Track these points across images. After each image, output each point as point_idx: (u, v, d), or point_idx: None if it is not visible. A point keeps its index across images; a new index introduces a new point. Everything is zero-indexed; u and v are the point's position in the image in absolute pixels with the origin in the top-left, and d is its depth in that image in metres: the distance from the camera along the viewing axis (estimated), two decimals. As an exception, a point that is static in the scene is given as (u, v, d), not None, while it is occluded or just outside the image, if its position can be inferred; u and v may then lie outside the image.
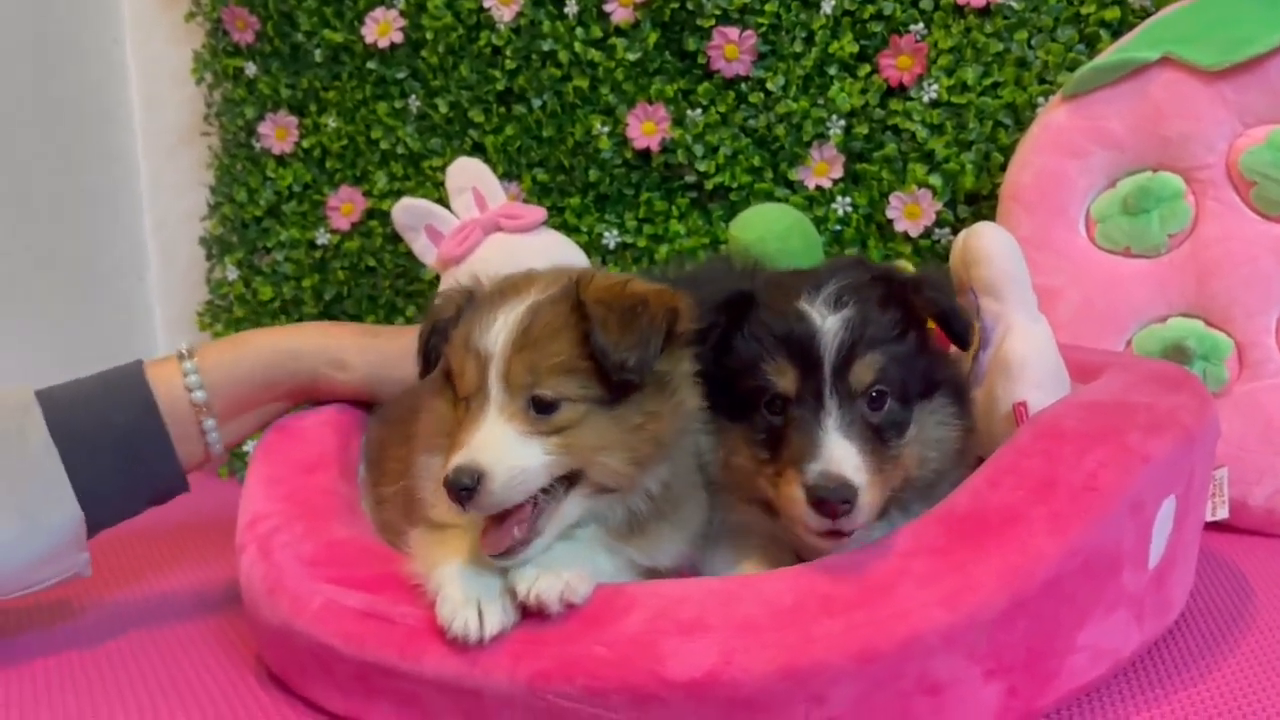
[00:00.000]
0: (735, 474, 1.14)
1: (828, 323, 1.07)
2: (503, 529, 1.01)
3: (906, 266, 1.39)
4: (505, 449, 0.98)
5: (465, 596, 0.99)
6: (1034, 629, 0.98)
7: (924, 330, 1.15)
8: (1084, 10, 1.80)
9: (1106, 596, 1.03)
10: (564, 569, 1.01)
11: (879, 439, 1.07)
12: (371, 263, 2.16)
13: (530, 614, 1.00)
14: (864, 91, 1.91)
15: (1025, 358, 1.23)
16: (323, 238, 2.19)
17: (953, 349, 1.21)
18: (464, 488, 0.96)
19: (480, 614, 0.98)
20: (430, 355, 1.11)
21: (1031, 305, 1.29)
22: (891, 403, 1.09)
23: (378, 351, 1.41)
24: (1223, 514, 1.30)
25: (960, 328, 1.14)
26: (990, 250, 1.28)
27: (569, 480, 1.03)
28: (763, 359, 1.09)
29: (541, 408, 1.01)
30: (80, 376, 1.36)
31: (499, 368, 1.01)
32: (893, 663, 0.93)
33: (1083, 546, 0.99)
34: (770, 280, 1.17)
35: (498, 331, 1.02)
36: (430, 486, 1.10)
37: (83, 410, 1.30)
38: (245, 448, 2.02)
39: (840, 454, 1.02)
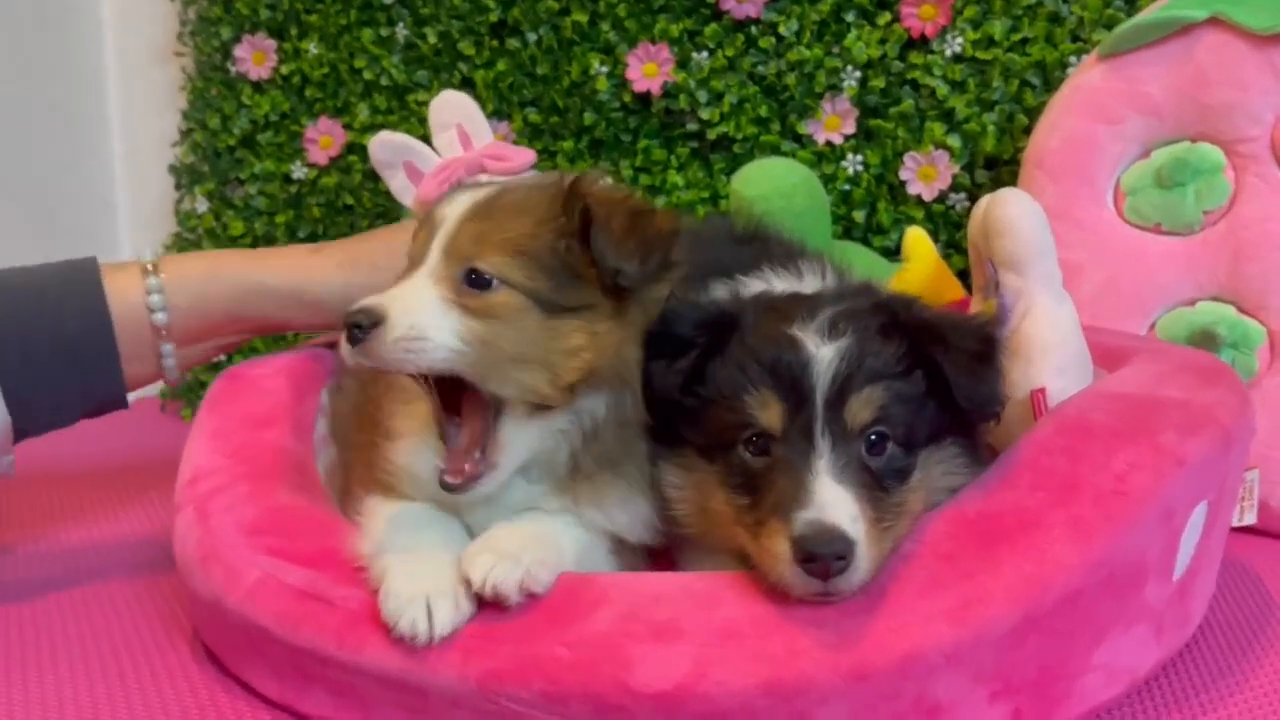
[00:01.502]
0: (708, 521, 1.01)
1: (822, 351, 0.95)
2: (454, 457, 0.96)
3: (922, 239, 1.27)
4: (415, 304, 0.94)
5: (413, 591, 0.90)
6: (1047, 646, 0.90)
7: (934, 368, 1.01)
8: (1126, -39, 1.71)
9: (1128, 612, 0.95)
10: (524, 554, 0.92)
11: (879, 485, 0.94)
12: (349, 200, 2.09)
13: (486, 604, 0.90)
14: (882, 42, 1.83)
15: (1047, 341, 1.15)
16: (299, 171, 2.11)
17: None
18: (357, 325, 0.91)
19: (429, 612, 0.89)
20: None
21: (1056, 283, 1.20)
22: (893, 448, 0.96)
23: (359, 288, 1.30)
24: (1250, 519, 1.22)
25: (968, 398, 0.99)
26: (1015, 220, 1.18)
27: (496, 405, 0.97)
28: (745, 390, 0.96)
29: (475, 281, 0.96)
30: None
31: (446, 231, 0.97)
32: (888, 682, 0.85)
33: (1108, 557, 0.91)
34: (758, 302, 1.06)
35: (459, 204, 1.00)
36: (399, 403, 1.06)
37: (21, 307, 1.21)
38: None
39: (833, 499, 0.89)
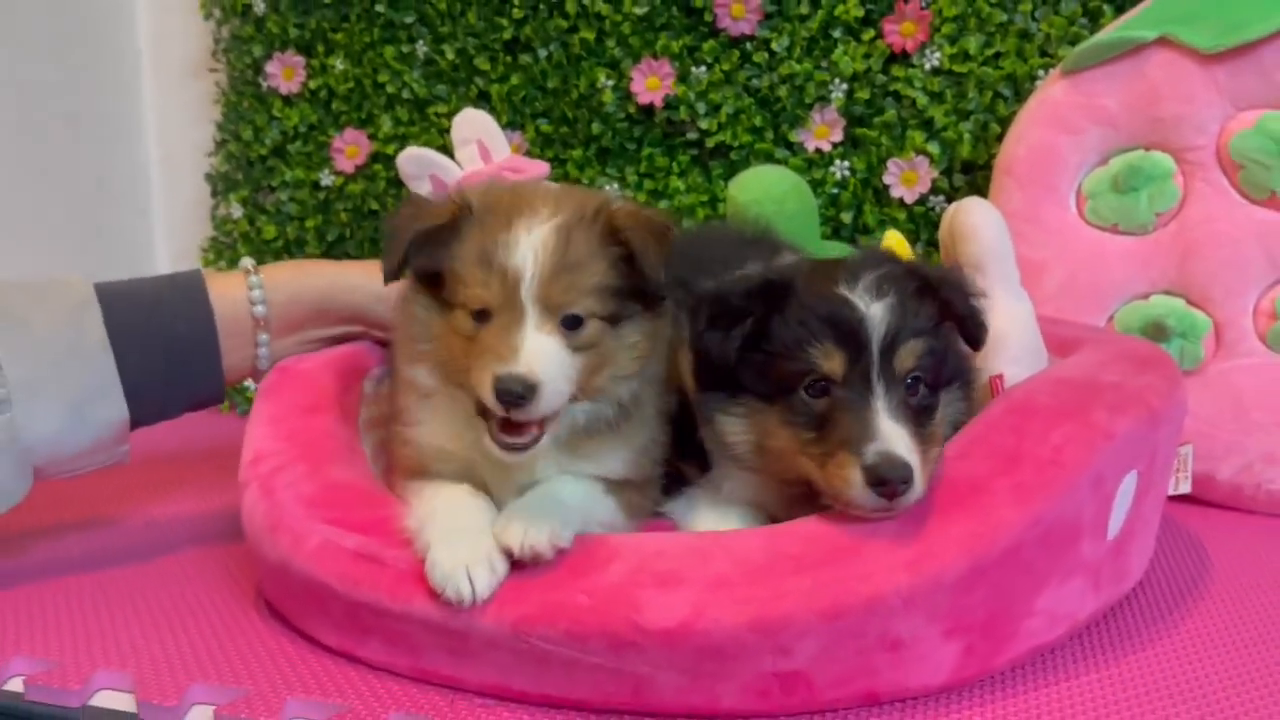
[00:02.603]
0: (771, 455, 1.14)
1: (873, 309, 1.09)
2: (515, 430, 1.08)
3: (901, 243, 1.41)
4: (554, 362, 1.05)
5: (455, 562, 1.03)
6: (993, 593, 1.03)
7: (951, 321, 1.17)
8: (1088, -16, 1.81)
9: (1064, 564, 1.08)
10: (547, 517, 1.06)
11: (918, 421, 1.09)
12: (374, 206, 2.19)
13: (516, 564, 1.05)
14: (867, 56, 1.92)
15: (1005, 333, 1.27)
16: (327, 179, 2.21)
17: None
18: (518, 395, 1.02)
19: (470, 579, 1.02)
20: (408, 260, 1.14)
21: (1014, 281, 1.33)
22: (924, 389, 1.11)
23: None
24: (1185, 488, 1.35)
25: (975, 329, 1.16)
26: (976, 226, 1.31)
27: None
28: (808, 342, 1.10)
29: (571, 324, 1.09)
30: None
31: (535, 288, 1.07)
32: (856, 620, 0.99)
33: (1043, 517, 1.04)
34: (806, 268, 1.19)
35: (526, 251, 1.07)
36: (414, 398, 1.19)
37: (143, 315, 1.34)
38: (247, 384, 2.06)
39: (896, 434, 1.04)
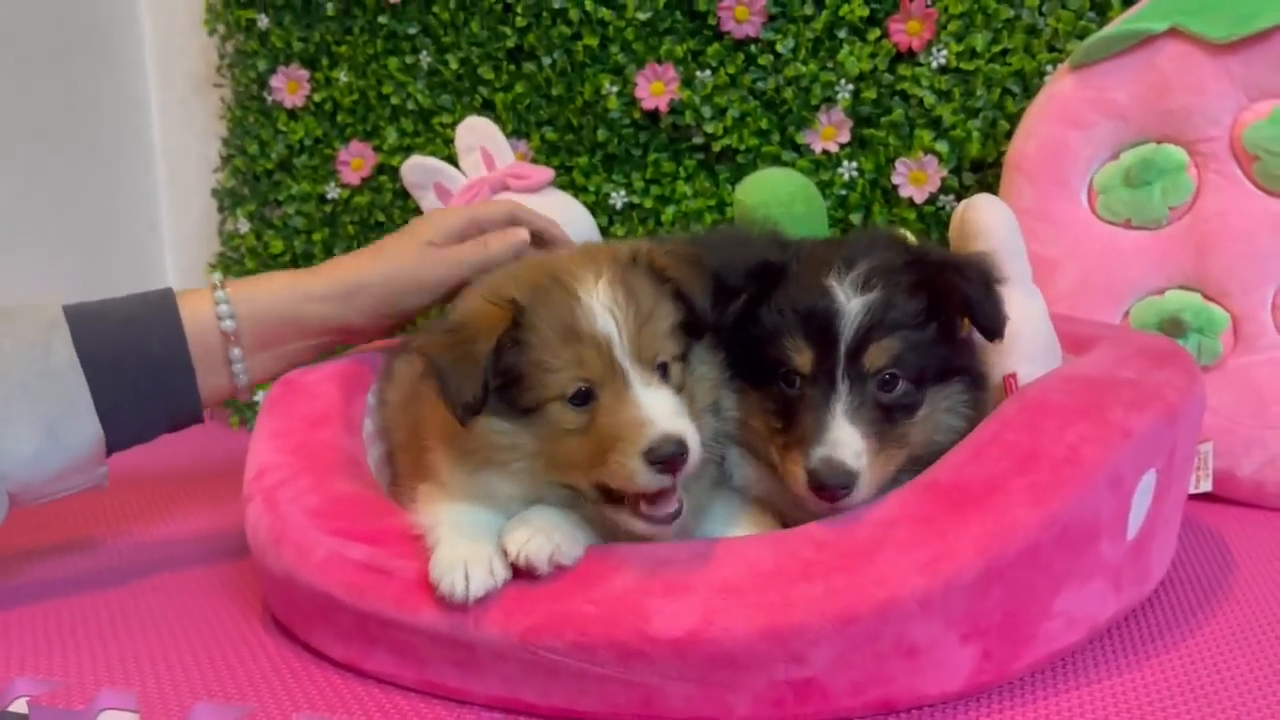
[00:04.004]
0: (750, 436, 1.17)
1: (850, 305, 1.08)
2: (663, 499, 1.04)
3: (906, 236, 1.40)
4: (679, 410, 1.03)
5: (454, 558, 1.02)
6: (1010, 596, 1.01)
7: (953, 316, 1.15)
8: (1096, -22, 1.80)
9: (1083, 566, 1.06)
10: (556, 531, 1.04)
11: (887, 419, 1.09)
12: (381, 218, 2.19)
13: (522, 572, 1.03)
14: (873, 56, 1.91)
15: (1017, 331, 1.23)
16: (333, 192, 2.21)
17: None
18: (675, 455, 0.99)
19: (466, 576, 1.01)
20: (489, 382, 1.03)
21: (1026, 278, 1.31)
22: (904, 384, 1.10)
23: (396, 270, 1.40)
24: (1206, 486, 1.32)
25: (985, 319, 1.12)
26: (987, 224, 1.29)
27: None
28: (784, 334, 1.10)
29: (663, 369, 1.07)
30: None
31: (628, 346, 1.03)
32: (870, 626, 0.97)
33: (1060, 517, 1.02)
34: (805, 252, 1.17)
35: (604, 313, 1.03)
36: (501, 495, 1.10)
37: (112, 333, 1.32)
38: (256, 397, 2.06)
39: (844, 439, 1.04)
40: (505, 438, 1.07)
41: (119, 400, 1.30)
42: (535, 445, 1.06)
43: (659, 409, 1.01)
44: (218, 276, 1.40)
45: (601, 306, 1.03)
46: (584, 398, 1.04)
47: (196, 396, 1.37)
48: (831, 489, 1.03)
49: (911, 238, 1.42)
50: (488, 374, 1.02)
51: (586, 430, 1.03)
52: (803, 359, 1.10)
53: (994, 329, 1.13)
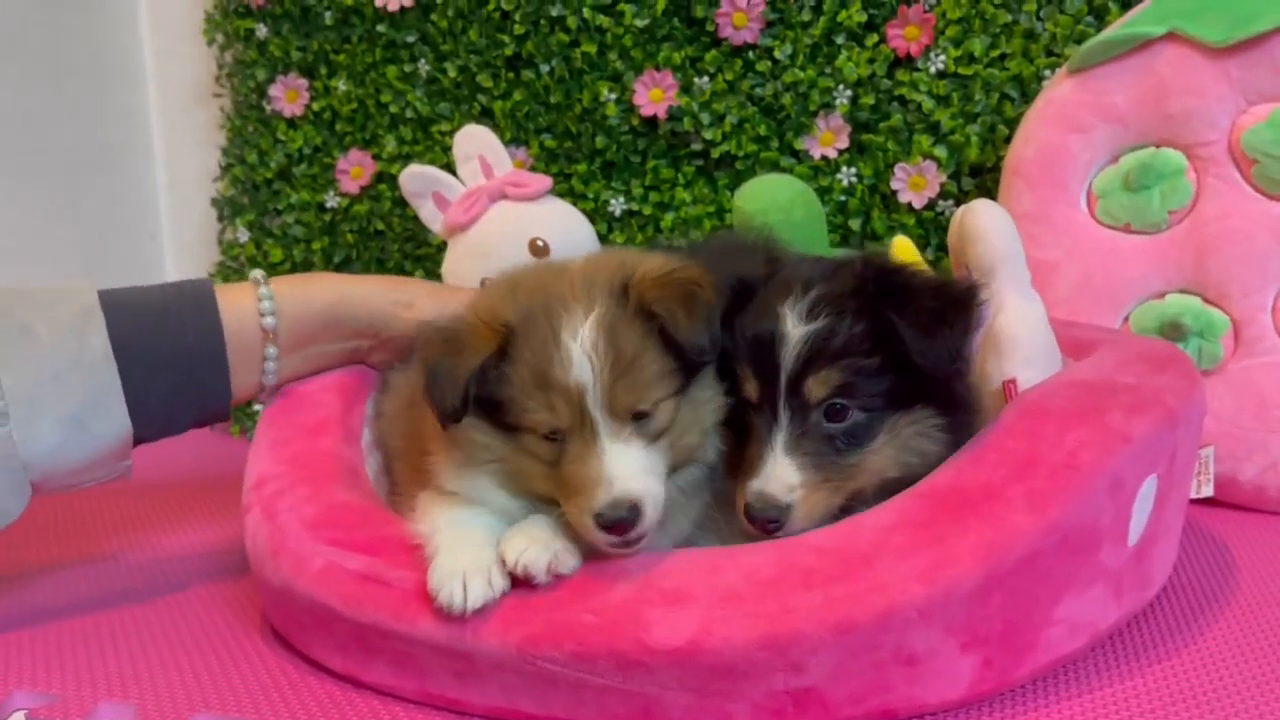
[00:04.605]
0: (724, 457, 1.15)
1: (793, 334, 1.06)
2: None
3: (910, 248, 1.38)
4: (643, 470, 1.01)
5: (453, 568, 1.02)
6: (1010, 603, 1.01)
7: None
8: (1093, -18, 1.80)
9: (1084, 572, 1.06)
10: (555, 540, 1.04)
11: (833, 450, 1.07)
12: (380, 226, 2.19)
13: (521, 581, 1.03)
14: (871, 61, 1.91)
15: (1016, 336, 1.24)
16: (332, 201, 2.21)
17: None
18: (624, 520, 0.98)
19: (465, 586, 1.00)
20: (468, 403, 1.05)
21: (1025, 283, 1.30)
22: (855, 414, 1.07)
23: (447, 299, 1.40)
24: (1207, 492, 1.31)
25: (920, 357, 1.04)
26: (985, 228, 1.28)
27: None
28: (739, 360, 1.10)
29: (642, 417, 1.04)
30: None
31: (600, 398, 1.01)
32: (870, 634, 0.96)
33: (1060, 524, 1.02)
34: (782, 272, 1.14)
35: (580, 361, 1.02)
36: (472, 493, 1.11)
37: (149, 325, 1.29)
38: (255, 407, 2.05)
39: (777, 473, 1.04)
40: (485, 447, 1.09)
41: (150, 393, 1.28)
42: (508, 456, 1.08)
43: (619, 468, 1.00)
44: (259, 273, 1.38)
45: (580, 353, 1.02)
46: (554, 437, 1.05)
47: (228, 392, 1.34)
48: (760, 522, 1.03)
49: (913, 252, 1.42)
50: (469, 390, 1.04)
51: (555, 465, 1.04)
52: (750, 388, 1.09)
53: (931, 367, 1.06)
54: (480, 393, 1.05)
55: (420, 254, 2.17)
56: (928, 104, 1.89)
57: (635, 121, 2.02)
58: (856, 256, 1.18)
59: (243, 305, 1.34)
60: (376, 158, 2.18)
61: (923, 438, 1.10)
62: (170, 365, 1.29)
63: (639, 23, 1.98)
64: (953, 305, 1.09)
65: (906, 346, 1.05)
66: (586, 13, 2.00)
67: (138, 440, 1.31)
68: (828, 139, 1.94)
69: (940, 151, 1.88)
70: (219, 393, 1.34)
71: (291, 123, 2.24)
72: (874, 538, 1.01)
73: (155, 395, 1.28)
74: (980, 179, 1.89)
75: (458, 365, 1.05)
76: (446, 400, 1.05)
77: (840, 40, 1.92)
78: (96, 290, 1.30)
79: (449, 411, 1.06)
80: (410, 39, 2.13)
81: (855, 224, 1.93)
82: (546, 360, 1.03)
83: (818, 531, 1.04)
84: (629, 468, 1.01)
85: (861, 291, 1.08)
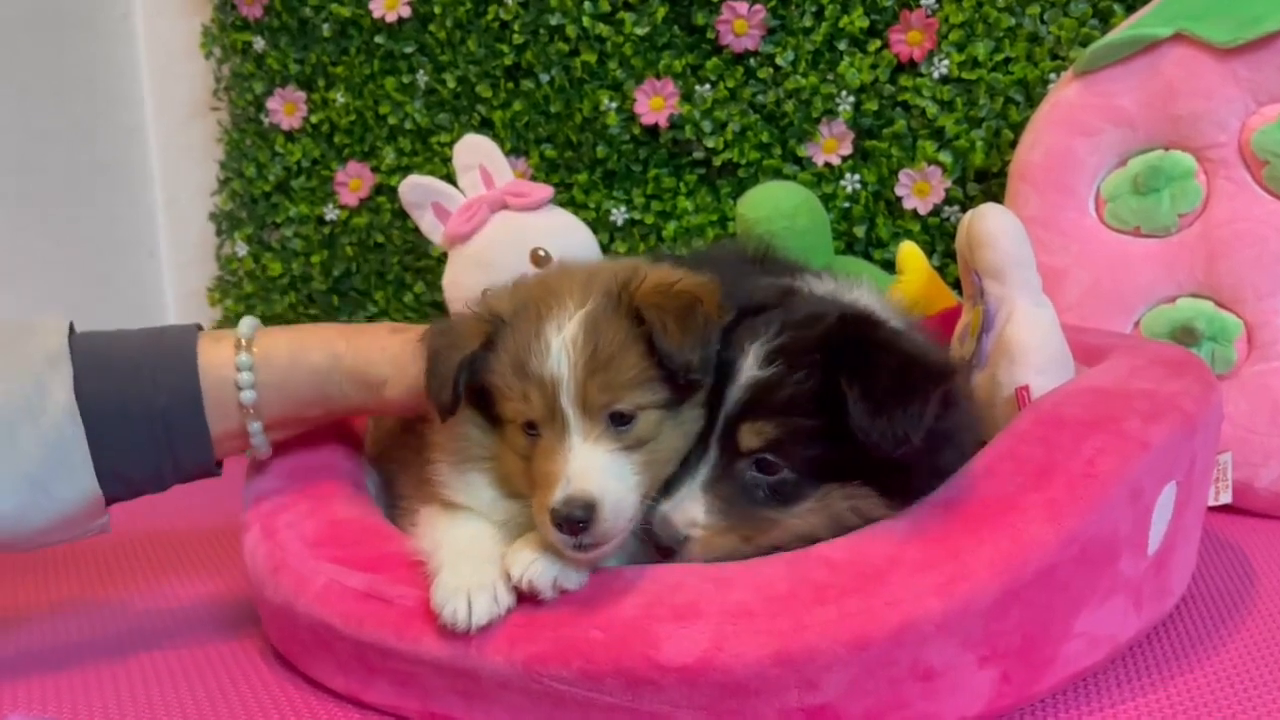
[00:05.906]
0: None
1: (743, 378, 1.02)
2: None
3: (917, 255, 1.35)
4: (607, 472, 0.98)
5: (457, 585, 1.00)
6: (1029, 616, 0.98)
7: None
8: (1098, -16, 1.79)
9: (1104, 584, 1.03)
10: (560, 553, 1.01)
11: (752, 500, 1.02)
12: (380, 238, 2.18)
13: (526, 598, 1.00)
14: (874, 67, 1.90)
15: (1027, 342, 1.23)
16: (331, 213, 2.20)
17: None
18: (578, 520, 0.95)
19: (469, 604, 0.98)
20: (459, 393, 1.04)
21: (1036, 289, 1.28)
22: (787, 473, 1.01)
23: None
24: (1225, 499, 1.29)
25: (864, 435, 0.96)
26: (994, 233, 1.27)
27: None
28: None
29: (620, 421, 1.01)
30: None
31: (573, 392, 0.99)
32: (885, 650, 0.94)
33: (1079, 534, 0.99)
34: (779, 303, 1.10)
35: (558, 353, 1.00)
36: (462, 495, 1.10)
37: (120, 379, 1.16)
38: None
39: (685, 505, 1.02)
40: (478, 443, 1.09)
41: (122, 454, 1.16)
42: (497, 452, 1.08)
43: (579, 465, 0.97)
44: (247, 327, 1.22)
45: (559, 345, 1.00)
46: (531, 430, 1.03)
47: (210, 454, 1.21)
48: (664, 547, 1.02)
49: (921, 258, 1.38)
50: (459, 382, 1.04)
51: (530, 459, 1.03)
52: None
53: (873, 447, 0.96)
54: (472, 383, 1.05)
55: (420, 265, 2.16)
56: (932, 109, 1.88)
57: (636, 130, 2.01)
58: (835, 308, 1.09)
59: (223, 369, 1.18)
60: (375, 170, 2.17)
61: (855, 514, 1.03)
62: (145, 425, 1.16)
63: (639, 31, 1.97)
64: (915, 384, 0.98)
65: (850, 415, 0.96)
66: (586, 21, 1.99)
67: (111, 500, 1.19)
68: (831, 146, 1.93)
69: (945, 157, 1.87)
70: (200, 454, 1.20)
71: (290, 135, 2.23)
72: (888, 550, 0.98)
73: (129, 457, 1.17)
74: (986, 184, 1.87)
75: (449, 357, 1.05)
76: (442, 393, 1.05)
77: (842, 46, 1.91)
78: (68, 333, 1.18)
79: (444, 407, 1.06)
80: (408, 50, 2.12)
81: (860, 231, 1.92)
82: (526, 350, 1.02)
83: (830, 543, 1.01)
84: (590, 466, 0.98)
85: (824, 347, 1.01)
